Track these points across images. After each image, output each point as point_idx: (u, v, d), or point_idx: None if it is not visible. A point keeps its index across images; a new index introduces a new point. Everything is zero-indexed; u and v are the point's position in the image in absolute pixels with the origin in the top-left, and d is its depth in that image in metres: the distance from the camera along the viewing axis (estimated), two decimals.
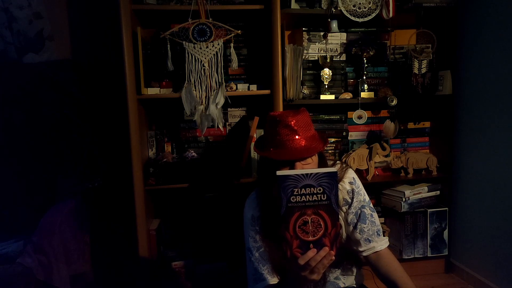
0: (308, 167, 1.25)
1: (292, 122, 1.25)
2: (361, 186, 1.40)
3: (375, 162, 2.29)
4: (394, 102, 2.21)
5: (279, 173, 1.03)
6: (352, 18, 2.14)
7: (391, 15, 2.12)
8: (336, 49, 2.38)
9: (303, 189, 1.02)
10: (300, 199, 1.03)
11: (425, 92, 2.32)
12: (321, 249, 1.03)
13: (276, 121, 1.27)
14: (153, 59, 2.12)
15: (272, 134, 1.29)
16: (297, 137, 1.25)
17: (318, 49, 2.35)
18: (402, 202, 2.27)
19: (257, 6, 2.07)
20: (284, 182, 1.02)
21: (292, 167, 1.24)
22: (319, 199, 1.03)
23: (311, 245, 1.04)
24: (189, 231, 2.24)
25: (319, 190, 1.02)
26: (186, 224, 2.26)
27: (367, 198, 1.40)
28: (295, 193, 1.02)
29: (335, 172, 1.03)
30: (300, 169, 1.22)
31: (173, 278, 2.15)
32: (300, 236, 1.04)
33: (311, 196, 1.02)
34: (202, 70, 2.02)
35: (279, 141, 1.26)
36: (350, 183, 1.39)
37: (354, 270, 1.44)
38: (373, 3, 2.15)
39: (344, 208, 1.38)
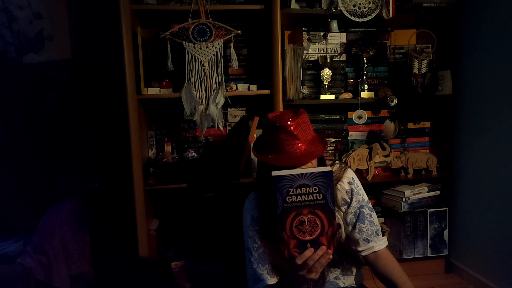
0: None
1: (292, 127, 1.22)
2: (360, 186, 1.40)
3: (375, 162, 2.29)
4: (394, 102, 2.21)
5: (274, 173, 1.03)
6: (352, 18, 2.13)
7: (391, 15, 2.12)
8: (336, 49, 2.37)
9: (298, 189, 1.02)
10: (296, 199, 1.03)
11: (425, 92, 2.31)
12: (318, 248, 1.03)
13: (275, 126, 1.24)
14: (153, 59, 2.12)
15: (271, 138, 1.26)
16: (296, 141, 1.23)
17: (318, 49, 2.35)
18: (402, 202, 2.26)
19: (257, 6, 2.07)
20: (279, 182, 1.02)
21: None
22: (315, 198, 1.03)
23: (308, 245, 1.04)
24: (189, 231, 2.24)
25: (315, 189, 1.02)
26: (186, 224, 2.26)
27: (366, 198, 1.39)
28: (290, 193, 1.02)
29: (330, 171, 1.03)
30: (295, 169, 1.21)
31: (173, 278, 2.15)
32: (297, 236, 1.04)
33: (306, 195, 1.02)
34: (202, 70, 2.02)
35: (279, 145, 1.24)
36: (349, 183, 1.38)
37: (354, 270, 1.44)
38: (373, 3, 2.15)
39: (343, 208, 1.38)
